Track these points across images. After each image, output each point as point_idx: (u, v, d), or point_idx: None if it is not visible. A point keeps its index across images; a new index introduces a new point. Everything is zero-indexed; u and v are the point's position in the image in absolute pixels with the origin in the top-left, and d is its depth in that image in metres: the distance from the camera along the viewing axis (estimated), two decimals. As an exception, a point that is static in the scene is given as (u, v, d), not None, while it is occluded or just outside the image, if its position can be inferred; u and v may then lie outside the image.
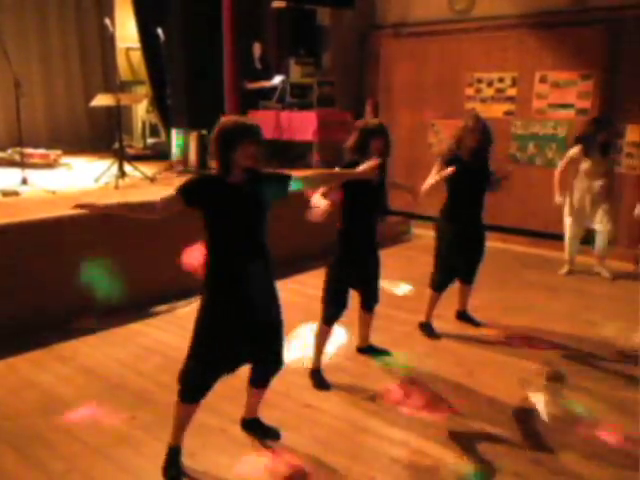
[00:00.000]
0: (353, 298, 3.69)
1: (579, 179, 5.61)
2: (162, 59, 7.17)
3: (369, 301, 3.78)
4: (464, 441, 3.00)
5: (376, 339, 4.03)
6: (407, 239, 7.43)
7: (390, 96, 8.16)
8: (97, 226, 4.36)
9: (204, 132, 6.80)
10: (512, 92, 7.13)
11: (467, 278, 4.42)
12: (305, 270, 5.50)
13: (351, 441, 2.98)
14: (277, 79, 7.40)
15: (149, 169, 6.58)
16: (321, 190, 3.24)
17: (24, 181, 5.54)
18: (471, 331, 4.43)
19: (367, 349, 4.00)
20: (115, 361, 3.84)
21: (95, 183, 5.97)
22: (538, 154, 7.02)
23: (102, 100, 6.89)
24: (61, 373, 3.67)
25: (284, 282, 5.26)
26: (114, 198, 4.84)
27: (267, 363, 2.80)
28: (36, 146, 7.35)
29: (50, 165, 7.12)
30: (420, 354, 4.02)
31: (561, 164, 5.71)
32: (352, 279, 3.58)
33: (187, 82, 7.06)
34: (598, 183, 5.57)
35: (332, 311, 3.53)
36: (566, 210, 5.76)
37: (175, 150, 7.63)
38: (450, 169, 3.95)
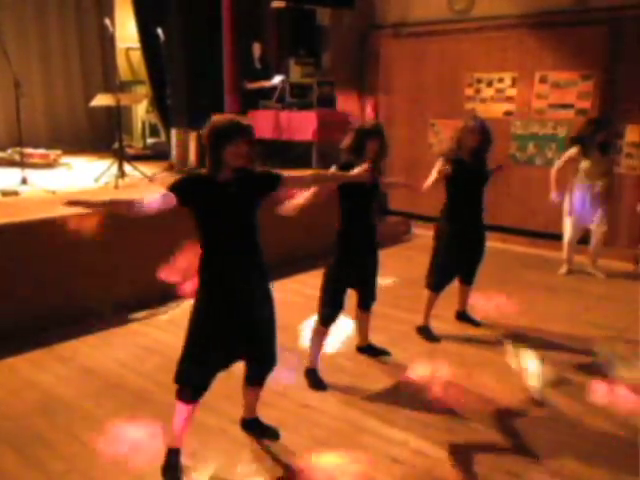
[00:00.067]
0: (351, 298, 3.69)
1: (579, 179, 5.61)
2: (162, 59, 7.17)
3: (367, 299, 3.78)
4: (463, 441, 3.00)
5: (375, 339, 4.03)
6: (407, 239, 7.43)
7: (390, 96, 8.16)
8: (106, 224, 4.35)
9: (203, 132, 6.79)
10: (512, 92, 7.12)
11: (467, 278, 4.42)
12: (305, 270, 5.50)
13: (350, 441, 2.98)
14: (277, 79, 7.40)
15: (149, 169, 6.58)
16: (311, 191, 3.26)
17: (24, 181, 5.54)
18: (471, 331, 4.43)
19: (366, 348, 4.00)
20: (115, 361, 3.85)
21: (95, 183, 5.97)
22: (538, 154, 7.02)
23: (102, 100, 6.90)
24: (61, 373, 3.68)
25: (284, 282, 5.29)
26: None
27: (261, 361, 2.80)
28: (36, 146, 7.36)
29: (50, 165, 7.12)
30: (419, 354, 4.02)
31: (559, 162, 5.71)
32: (351, 279, 3.59)
33: (187, 82, 7.06)
34: (598, 184, 5.57)
35: (329, 312, 3.52)
36: (566, 210, 5.76)
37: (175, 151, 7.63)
38: (445, 168, 3.96)
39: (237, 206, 2.55)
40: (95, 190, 5.68)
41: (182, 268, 4.05)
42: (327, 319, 3.54)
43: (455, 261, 4.23)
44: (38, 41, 8.43)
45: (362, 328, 3.96)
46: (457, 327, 4.49)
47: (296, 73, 7.72)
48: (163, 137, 8.61)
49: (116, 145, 6.68)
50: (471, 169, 4.07)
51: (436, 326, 4.35)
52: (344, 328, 4.07)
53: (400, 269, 5.74)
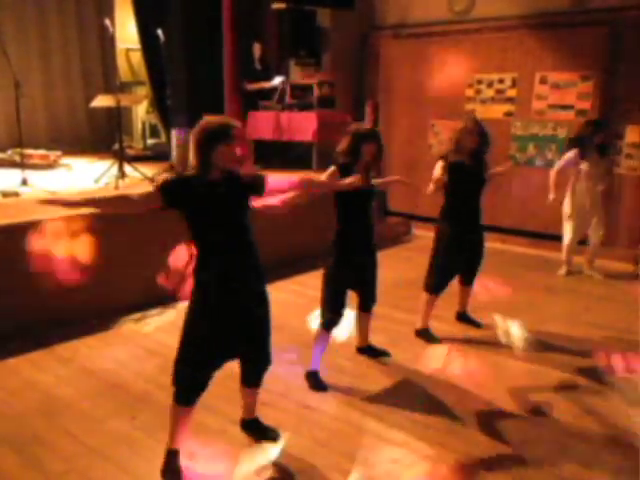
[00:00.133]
0: (351, 299, 3.69)
1: (579, 181, 5.61)
2: (162, 60, 7.16)
3: (367, 301, 3.78)
4: (464, 443, 3.00)
5: (375, 339, 4.03)
6: (407, 240, 7.43)
7: (390, 97, 8.16)
8: (106, 225, 4.35)
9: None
10: (512, 93, 7.13)
11: (467, 279, 4.43)
12: (305, 270, 5.49)
13: (351, 442, 2.98)
14: (277, 80, 7.40)
15: (149, 170, 6.58)
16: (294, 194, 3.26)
17: (24, 182, 5.53)
18: (471, 332, 4.43)
19: (367, 349, 4.00)
20: (115, 362, 3.85)
21: (95, 184, 5.97)
22: (538, 155, 7.02)
23: (102, 101, 6.89)
24: (61, 374, 3.67)
25: (285, 283, 5.29)
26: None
27: (255, 361, 2.80)
28: (36, 147, 7.35)
29: (50, 166, 7.11)
30: (419, 355, 4.02)
31: (558, 164, 5.71)
32: (350, 280, 3.58)
33: (187, 83, 7.06)
34: (599, 188, 5.58)
35: (331, 315, 3.52)
36: (566, 211, 5.76)
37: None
38: (440, 178, 3.96)
39: (227, 205, 2.55)
40: (95, 191, 5.67)
41: (181, 269, 4.05)
42: (330, 324, 3.54)
43: (454, 263, 4.22)
44: (38, 41, 8.42)
45: (362, 329, 3.96)
46: (457, 328, 4.49)
47: (296, 74, 7.72)
48: (163, 138, 8.61)
49: (116, 146, 6.67)
50: (470, 171, 4.07)
51: (436, 327, 4.34)
52: (344, 328, 4.07)
53: (400, 270, 5.74)
